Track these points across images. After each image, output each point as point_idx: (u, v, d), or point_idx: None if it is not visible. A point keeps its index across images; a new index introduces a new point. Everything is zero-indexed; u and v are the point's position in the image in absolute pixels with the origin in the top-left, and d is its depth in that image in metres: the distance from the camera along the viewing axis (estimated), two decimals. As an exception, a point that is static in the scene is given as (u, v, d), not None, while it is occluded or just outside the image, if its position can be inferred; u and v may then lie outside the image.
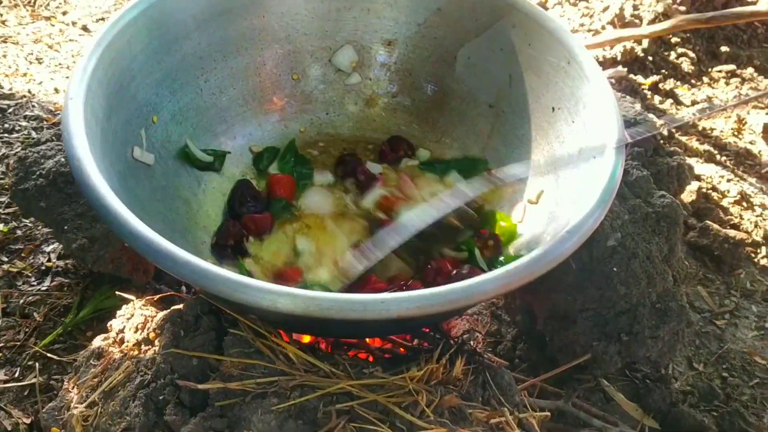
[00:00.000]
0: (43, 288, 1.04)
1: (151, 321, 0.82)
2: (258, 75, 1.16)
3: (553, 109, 1.03)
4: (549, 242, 0.76)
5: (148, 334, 0.80)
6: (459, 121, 1.18)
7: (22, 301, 1.02)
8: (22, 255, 1.08)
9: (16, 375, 0.94)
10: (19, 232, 1.10)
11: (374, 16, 1.18)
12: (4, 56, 1.42)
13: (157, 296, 0.86)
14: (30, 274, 1.06)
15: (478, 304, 1.02)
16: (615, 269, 0.94)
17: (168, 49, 1.02)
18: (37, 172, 1.02)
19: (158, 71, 1.02)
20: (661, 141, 1.13)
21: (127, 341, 0.82)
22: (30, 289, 1.04)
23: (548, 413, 0.84)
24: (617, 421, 0.99)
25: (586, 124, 0.96)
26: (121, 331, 0.84)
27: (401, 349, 0.89)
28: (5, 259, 1.07)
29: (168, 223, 0.97)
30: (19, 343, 0.97)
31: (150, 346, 0.80)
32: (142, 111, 0.99)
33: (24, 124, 1.27)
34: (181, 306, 0.83)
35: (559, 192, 0.98)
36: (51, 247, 1.09)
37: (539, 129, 1.06)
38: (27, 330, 0.99)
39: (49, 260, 1.08)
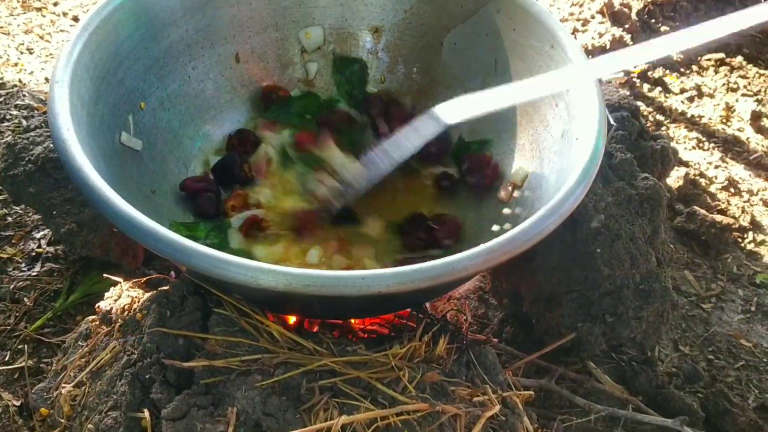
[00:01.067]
0: (33, 273, 1.05)
1: (138, 302, 0.83)
2: (246, 62, 1.17)
3: (538, 93, 1.04)
4: (530, 219, 0.77)
5: (134, 315, 0.81)
6: (446, 107, 1.19)
7: (12, 286, 1.03)
8: (13, 241, 1.09)
9: (6, 358, 0.95)
10: (9, 219, 1.11)
11: (361, 3, 1.19)
12: (-5, 46, 1.43)
13: (145, 279, 0.87)
14: (20, 260, 1.07)
15: (461, 282, 1.02)
16: (598, 250, 0.95)
17: (155, 36, 1.03)
18: (26, 158, 1.03)
19: (146, 57, 1.02)
20: (648, 126, 1.14)
21: (114, 322, 0.83)
22: (20, 274, 1.05)
23: (532, 392, 0.85)
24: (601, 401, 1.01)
25: (569, 108, 0.97)
26: (109, 312, 0.85)
27: (385, 329, 0.89)
28: (-5, 245, 1.08)
29: (155, 207, 0.98)
30: (9, 327, 0.98)
31: (137, 326, 0.81)
32: (130, 97, 0.99)
33: (15, 113, 1.28)
34: (167, 287, 0.83)
35: (543, 173, 0.99)
36: (41, 233, 1.10)
37: (524, 113, 1.07)
38: (17, 314, 1.00)
39: (39, 246, 1.09)
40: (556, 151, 0.97)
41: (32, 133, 1.05)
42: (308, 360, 0.74)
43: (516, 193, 1.03)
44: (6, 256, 1.07)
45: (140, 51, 1.01)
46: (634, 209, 0.97)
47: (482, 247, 0.73)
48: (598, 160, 0.85)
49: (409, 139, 0.96)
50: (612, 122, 1.07)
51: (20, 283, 1.03)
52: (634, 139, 1.06)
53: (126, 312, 0.83)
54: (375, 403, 0.70)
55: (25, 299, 1.01)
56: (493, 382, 0.82)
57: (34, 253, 1.07)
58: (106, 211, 0.72)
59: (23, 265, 1.06)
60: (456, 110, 0.97)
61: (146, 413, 0.71)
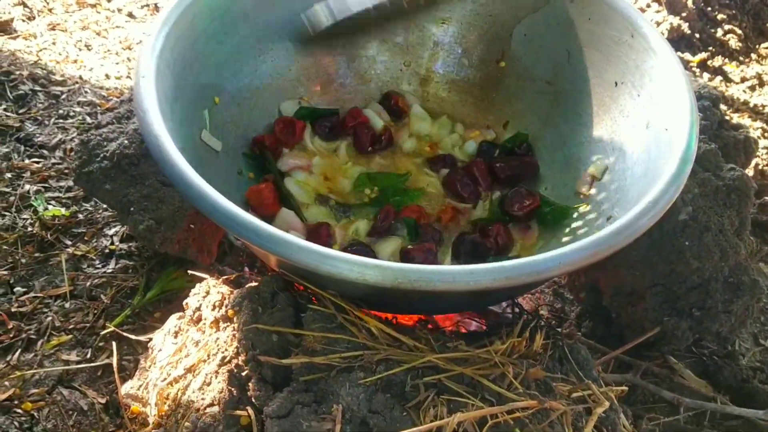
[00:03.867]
0: (108, 270, 1.04)
1: (228, 298, 0.82)
2: (313, 55, 1.16)
3: (616, 83, 1.02)
4: (633, 211, 0.75)
5: (226, 312, 0.80)
6: (516, 99, 1.17)
7: (88, 283, 1.02)
8: (85, 238, 1.09)
9: (88, 356, 0.94)
10: (80, 216, 1.11)
11: (428, -5, 1.18)
12: (54, 43, 1.42)
13: (233, 275, 0.86)
14: (94, 257, 1.06)
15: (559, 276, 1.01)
16: (687, 243, 0.93)
17: (228, 30, 1.02)
18: (101, 155, 1.02)
19: (220, 52, 1.01)
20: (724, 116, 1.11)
21: (205, 319, 0.82)
22: (95, 271, 1.04)
23: (625, 388, 0.83)
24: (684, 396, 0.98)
25: (653, 97, 0.95)
26: (198, 309, 0.84)
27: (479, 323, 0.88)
28: (69, 242, 1.08)
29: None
30: (88, 325, 0.98)
31: (228, 323, 0.80)
32: (205, 92, 0.99)
33: (78, 109, 1.28)
34: (256, 283, 0.82)
35: (626, 165, 0.96)
36: (113, 230, 1.10)
37: (601, 104, 1.05)
38: (95, 312, 0.99)
39: (112, 243, 1.08)
40: (641, 142, 0.95)
41: (104, 130, 1.04)
42: (410, 357, 0.72)
43: (596, 186, 1.01)
44: (80, 253, 1.06)
45: (214, 45, 1.00)
46: (721, 200, 0.95)
47: (590, 239, 0.72)
48: (693, 150, 0.83)
49: None
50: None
51: (96, 281, 1.03)
52: (715, 129, 1.04)
53: (216, 309, 0.82)
54: (483, 400, 0.69)
55: (102, 296, 1.01)
56: (587, 378, 0.81)
57: (107, 251, 1.07)
58: (205, 207, 0.72)
59: (97, 262, 1.06)
60: None
61: (249, 411, 0.70)
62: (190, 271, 0.89)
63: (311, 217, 1.01)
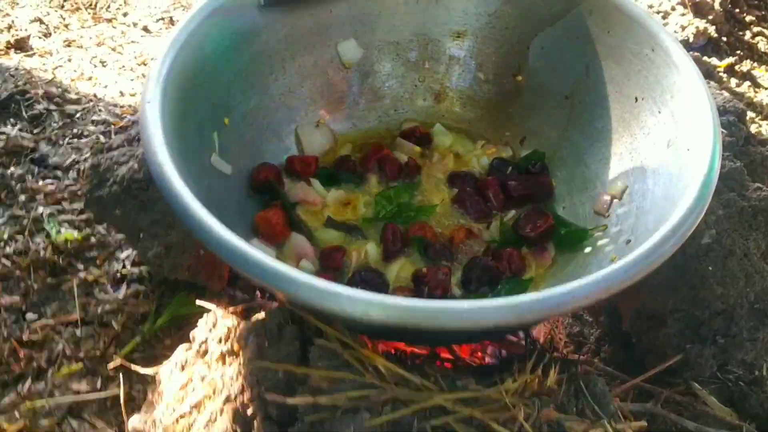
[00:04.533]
0: (120, 296, 1.04)
1: (235, 332, 0.81)
2: (326, 73, 1.14)
3: (636, 99, 0.98)
4: (649, 243, 0.72)
5: (232, 346, 0.79)
6: (534, 114, 1.14)
7: (99, 309, 1.02)
8: (97, 262, 1.08)
9: (98, 385, 0.94)
10: (93, 239, 1.11)
11: (443, 8, 1.15)
12: (69, 60, 1.42)
13: (240, 307, 0.84)
14: (106, 282, 1.06)
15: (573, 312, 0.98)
16: (710, 268, 0.89)
17: (238, 48, 1.00)
18: (111, 180, 1.02)
19: (230, 71, 1.00)
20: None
21: (211, 352, 0.81)
22: (107, 297, 1.04)
23: (645, 423, 0.80)
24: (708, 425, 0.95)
25: (674, 115, 0.91)
26: (204, 342, 0.83)
27: (490, 357, 0.85)
28: (81, 266, 1.07)
29: (244, 229, 0.96)
30: (99, 354, 0.97)
31: (234, 357, 0.78)
32: (215, 113, 0.97)
33: (92, 129, 1.27)
34: (263, 315, 0.81)
35: (646, 186, 0.93)
36: (125, 253, 1.09)
37: (621, 120, 1.01)
38: (106, 340, 0.99)
39: (123, 267, 1.08)
40: (662, 162, 0.91)
41: (115, 152, 1.04)
42: (417, 396, 0.70)
43: (615, 206, 0.98)
44: (92, 278, 1.06)
45: (224, 64, 0.99)
46: (747, 222, 0.91)
47: (604, 273, 0.69)
48: (716, 172, 0.80)
49: None
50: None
51: (107, 306, 1.02)
52: (741, 145, 1.00)
53: (222, 342, 0.80)
54: (492, 444, 0.66)
55: (113, 323, 1.00)
56: (604, 413, 0.78)
57: (119, 275, 1.06)
58: (208, 240, 0.70)
59: (109, 286, 1.05)
60: None
61: (252, 453, 0.69)
62: (197, 302, 0.87)
63: (324, 241, 0.99)
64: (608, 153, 1.03)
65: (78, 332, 1.00)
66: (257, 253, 0.68)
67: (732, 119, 1.00)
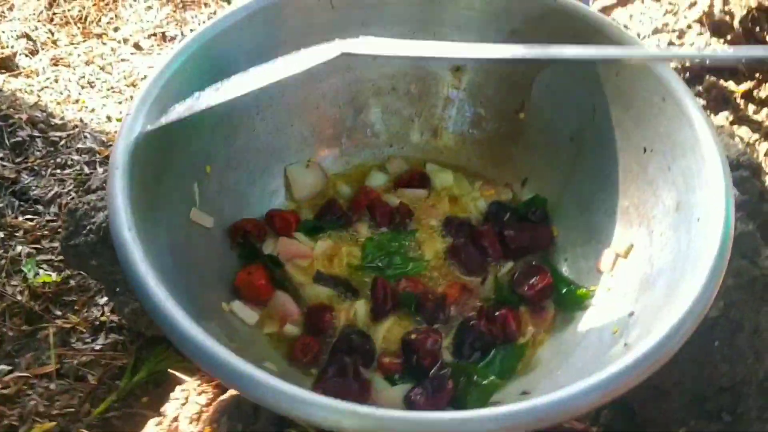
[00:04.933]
0: (97, 347, 0.99)
1: (207, 410, 0.76)
2: (317, 108, 1.08)
3: (645, 149, 0.92)
4: (663, 331, 0.66)
5: (203, 428, 0.74)
6: (537, 155, 1.07)
7: (76, 361, 0.97)
8: (76, 308, 1.04)
9: (71, 447, 0.90)
10: (72, 282, 1.06)
11: (442, 40, 1.08)
12: (56, 81, 1.37)
13: (215, 382, 0.80)
14: (84, 330, 1.01)
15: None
16: (717, 343, 0.83)
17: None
18: (88, 227, 0.97)
19: (211, 116, 0.93)
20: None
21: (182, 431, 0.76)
22: (84, 347, 0.99)
23: None
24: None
25: (685, 176, 0.85)
26: (175, 419, 0.78)
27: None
28: (58, 312, 1.03)
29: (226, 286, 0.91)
30: (73, 410, 0.93)
31: (206, 442, 0.74)
32: (196, 162, 0.91)
33: (76, 158, 1.22)
34: (236, 392, 0.76)
35: (652, 251, 0.87)
36: (104, 299, 1.05)
37: (628, 171, 0.95)
38: (81, 395, 0.94)
39: (102, 314, 1.03)
40: (670, 225, 0.85)
41: (93, 196, 0.99)
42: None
43: (620, 264, 0.92)
44: (69, 325, 1.01)
45: (206, 110, 0.92)
46: (758, 294, 0.85)
47: (601, 378, 0.63)
48: (728, 252, 0.73)
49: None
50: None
51: (84, 358, 0.98)
52: (754, 203, 0.93)
53: (194, 423, 0.76)
54: None
55: (90, 377, 0.96)
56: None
57: (97, 323, 1.02)
58: (170, 333, 0.65)
59: (87, 335, 1.01)
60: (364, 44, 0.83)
61: None
62: (171, 371, 0.83)
63: (311, 297, 0.93)
64: (614, 204, 0.96)
65: (52, 386, 0.95)
66: (222, 350, 0.63)
67: (745, 174, 0.93)
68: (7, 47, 1.41)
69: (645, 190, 0.92)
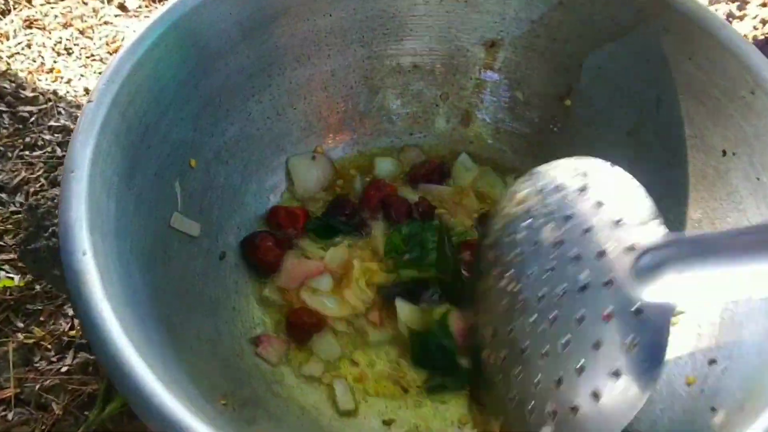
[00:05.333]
0: (64, 369, 0.84)
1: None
2: (324, 89, 0.91)
3: (725, 152, 0.75)
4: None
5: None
6: (584, 150, 0.89)
7: (38, 386, 0.82)
8: (41, 319, 0.88)
9: (26, 495, 0.76)
10: (37, 287, 0.91)
11: (473, 11, 0.91)
12: (29, 46, 1.20)
13: None
14: (49, 346, 0.86)
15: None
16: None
17: (207, 70, 0.78)
18: (50, 228, 0.81)
19: (196, 99, 0.78)
20: None
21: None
22: (48, 368, 0.84)
23: None
24: None
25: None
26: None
27: None
28: (21, 325, 0.88)
29: (209, 313, 0.76)
30: (31, 447, 0.78)
31: None
32: (177, 155, 0.75)
33: (48, 137, 1.06)
34: None
35: (741, 338, 0.70)
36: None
37: (702, 176, 0.78)
38: (43, 427, 0.80)
39: (71, 327, 0.88)
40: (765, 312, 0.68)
41: (56, 191, 0.83)
42: None
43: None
44: (33, 340, 0.86)
45: (189, 92, 0.76)
46: None
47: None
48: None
49: None
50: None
51: (48, 382, 0.83)
52: None
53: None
54: None
55: (54, 405, 0.81)
56: None
57: (66, 338, 0.87)
58: (134, 404, 0.50)
59: (52, 353, 0.86)
60: None
61: None
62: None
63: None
64: (681, 214, 0.81)
65: (10, 416, 0.81)
66: (193, 422, 0.48)
67: None
68: (-25, 6, 1.24)
69: (723, 201, 0.76)
